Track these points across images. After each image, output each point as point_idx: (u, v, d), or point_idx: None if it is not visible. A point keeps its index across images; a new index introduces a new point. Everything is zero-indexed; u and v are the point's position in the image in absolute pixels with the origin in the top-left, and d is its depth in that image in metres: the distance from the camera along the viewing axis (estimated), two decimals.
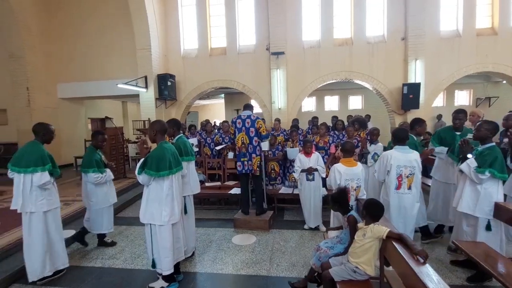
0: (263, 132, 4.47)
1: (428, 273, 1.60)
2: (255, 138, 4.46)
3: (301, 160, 4.29)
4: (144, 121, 8.59)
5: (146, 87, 8.45)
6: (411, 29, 8.14)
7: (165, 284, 2.82)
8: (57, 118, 9.57)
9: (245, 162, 4.40)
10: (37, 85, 8.93)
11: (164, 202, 2.74)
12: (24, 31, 8.57)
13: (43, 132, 3.12)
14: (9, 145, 9.46)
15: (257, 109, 8.45)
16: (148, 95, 8.55)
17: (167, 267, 2.76)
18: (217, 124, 12.06)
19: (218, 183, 5.76)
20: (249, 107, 4.69)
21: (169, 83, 8.58)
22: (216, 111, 17.26)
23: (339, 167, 3.19)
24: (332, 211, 3.40)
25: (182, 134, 3.60)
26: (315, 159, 4.24)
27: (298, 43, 8.75)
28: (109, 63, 9.25)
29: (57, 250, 3.19)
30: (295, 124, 7.05)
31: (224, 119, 10.63)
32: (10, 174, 3.04)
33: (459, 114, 3.70)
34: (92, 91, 9.53)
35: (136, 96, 9.02)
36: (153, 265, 2.81)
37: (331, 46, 8.66)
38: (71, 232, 4.19)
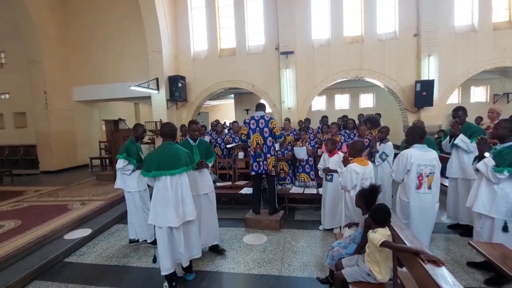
0: (277, 132, 4.46)
1: (443, 275, 1.57)
2: (269, 138, 4.45)
3: (324, 159, 4.24)
4: (156, 122, 8.75)
5: (158, 88, 8.60)
6: (424, 24, 7.95)
7: (165, 282, 2.91)
8: (72, 120, 9.90)
9: (261, 163, 4.40)
10: (54, 88, 9.24)
11: (158, 203, 2.74)
12: (42, 37, 8.89)
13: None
14: (28, 147, 9.87)
15: (267, 109, 8.46)
16: (159, 96, 8.70)
17: (162, 267, 2.80)
18: (227, 124, 12.13)
19: (229, 183, 5.80)
20: (261, 107, 4.64)
21: (179, 85, 8.70)
22: (226, 112, 17.35)
23: (355, 167, 3.13)
24: (344, 211, 3.37)
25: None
26: (337, 160, 4.05)
27: (308, 42, 8.70)
28: (121, 66, 9.47)
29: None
30: (306, 124, 7.00)
31: (234, 119, 10.68)
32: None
33: (458, 111, 3.82)
34: (106, 93, 9.79)
35: (148, 97, 9.20)
36: (154, 260, 3.20)
37: (341, 44, 8.56)
38: (87, 231, 4.32)
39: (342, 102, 13.23)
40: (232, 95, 13.56)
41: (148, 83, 8.34)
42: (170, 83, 8.66)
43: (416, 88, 7.92)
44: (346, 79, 8.81)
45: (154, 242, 3.56)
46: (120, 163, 3.73)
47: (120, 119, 8.96)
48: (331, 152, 4.19)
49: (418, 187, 2.97)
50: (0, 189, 7.06)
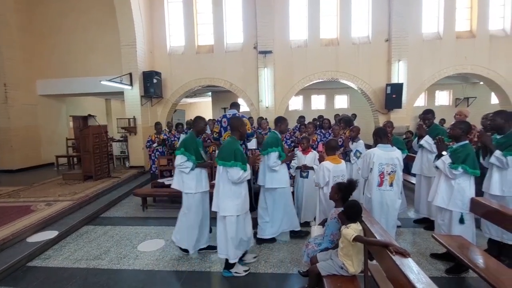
0: (248, 130, 4.49)
1: (409, 265, 1.68)
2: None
3: (298, 157, 4.31)
4: (129, 119, 8.42)
5: (131, 84, 8.27)
6: (395, 30, 8.38)
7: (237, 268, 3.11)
8: (36, 116, 9.24)
9: None
10: (15, 81, 8.55)
11: (243, 191, 3.02)
12: (2, 25, 8.18)
13: (195, 125, 3.58)
14: None
15: (244, 107, 8.48)
16: (133, 92, 8.37)
17: (234, 255, 3.01)
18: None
19: None
20: (235, 105, 4.74)
21: (154, 81, 8.43)
22: (203, 109, 17.10)
23: (327, 164, 3.26)
24: (318, 207, 3.47)
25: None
26: (312, 158, 4.19)
27: (286, 42, 8.82)
28: (92, 59, 8.99)
29: None
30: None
31: (211, 117, 10.57)
32: None
33: (428, 114, 4.18)
34: (74, 88, 9.24)
35: (120, 93, 8.82)
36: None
37: (318, 46, 8.78)
38: (53, 233, 4.07)
39: (318, 102, 13.58)
40: (210, 93, 13.41)
41: (121, 78, 8.00)
42: (145, 78, 8.37)
43: (387, 91, 8.34)
44: (322, 80, 9.06)
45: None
46: (178, 159, 3.31)
47: (89, 115, 8.49)
48: (305, 150, 4.30)
49: (380, 184, 3.15)
50: None
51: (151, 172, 7.03)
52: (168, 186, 5.52)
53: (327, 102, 13.43)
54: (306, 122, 6.66)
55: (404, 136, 7.69)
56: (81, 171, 7.06)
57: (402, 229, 4.10)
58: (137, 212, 5.35)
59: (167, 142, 6.83)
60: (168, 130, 7.41)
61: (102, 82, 7.50)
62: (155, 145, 6.79)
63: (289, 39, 8.88)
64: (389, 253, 1.81)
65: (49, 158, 9.36)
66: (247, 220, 3.11)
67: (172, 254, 3.62)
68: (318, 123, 6.78)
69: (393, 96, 8.28)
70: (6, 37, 8.32)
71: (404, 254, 1.79)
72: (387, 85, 8.38)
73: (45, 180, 7.16)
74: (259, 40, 8.65)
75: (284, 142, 5.50)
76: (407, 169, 4.93)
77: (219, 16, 8.96)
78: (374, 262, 2.41)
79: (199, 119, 3.64)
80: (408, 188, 5.39)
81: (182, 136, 6.62)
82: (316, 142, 5.44)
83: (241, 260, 3.21)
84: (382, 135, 3.26)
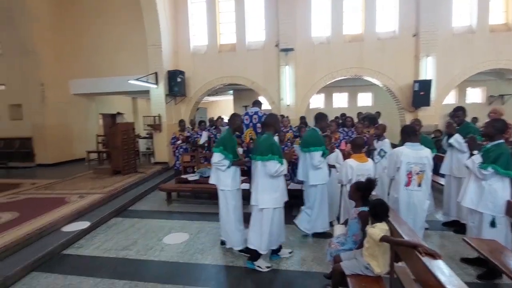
0: None
1: (440, 267, 1.62)
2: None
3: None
4: (154, 117, 8.72)
5: (157, 83, 8.56)
6: (423, 25, 8.01)
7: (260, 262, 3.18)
8: (69, 114, 9.81)
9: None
10: (50, 81, 9.13)
11: (281, 185, 3.12)
12: (37, 25, 8.73)
13: (232, 122, 3.54)
14: (24, 140, 9.75)
15: (265, 106, 8.49)
16: (158, 91, 8.66)
17: (266, 246, 3.12)
18: (225, 120, 12.13)
19: None
20: (257, 103, 4.77)
21: (179, 79, 8.67)
22: (224, 108, 17.31)
23: (351, 162, 3.21)
24: (342, 206, 3.43)
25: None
26: (335, 156, 4.16)
27: (308, 39, 8.72)
28: (119, 59, 9.37)
29: None
30: (303, 121, 7.06)
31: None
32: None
33: (458, 111, 4.02)
34: (103, 87, 9.70)
35: (146, 92, 9.14)
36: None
37: (341, 42, 8.60)
38: (85, 224, 4.32)
39: (340, 100, 13.31)
40: (231, 91, 13.56)
41: (147, 77, 8.30)
42: (170, 77, 8.63)
43: (414, 88, 8.00)
44: (345, 77, 8.86)
45: (245, 251, 3.37)
46: (216, 157, 3.34)
47: (118, 112, 8.90)
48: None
49: (407, 184, 3.05)
50: None
51: (175, 168, 7.26)
52: (191, 182, 5.70)
53: (350, 100, 13.13)
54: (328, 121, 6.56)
55: (432, 135, 7.36)
56: (110, 166, 7.43)
57: (429, 231, 3.94)
58: (162, 206, 5.55)
59: (190, 139, 7.01)
60: (191, 127, 7.61)
61: (129, 81, 7.83)
62: (179, 142, 7.00)
63: (311, 36, 8.77)
64: (418, 254, 1.75)
65: (80, 154, 9.92)
66: (282, 214, 3.19)
67: (196, 247, 3.73)
68: (340, 121, 6.67)
69: (420, 93, 7.94)
70: (43, 39, 8.90)
71: (434, 255, 1.73)
72: (414, 81, 8.04)
73: (77, 174, 7.61)
74: (280, 38, 8.61)
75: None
76: (435, 169, 4.71)
77: (241, 15, 9.03)
78: (400, 264, 2.35)
79: (235, 116, 3.64)
80: (436, 189, 5.16)
81: (205, 134, 6.79)
82: (339, 140, 5.35)
83: (276, 254, 3.32)
84: (410, 133, 3.14)
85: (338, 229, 2.83)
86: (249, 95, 12.28)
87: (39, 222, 4.10)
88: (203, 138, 6.74)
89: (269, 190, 3.03)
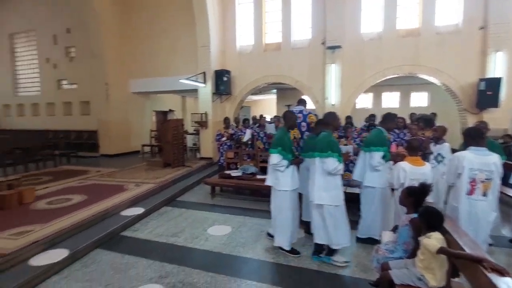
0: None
1: (509, 285, 1.45)
2: (307, 133, 4.45)
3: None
4: (201, 114, 9.18)
5: (205, 82, 9.00)
6: (493, 16, 7.08)
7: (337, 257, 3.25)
8: (128, 110, 10.83)
9: None
10: (113, 81, 10.19)
11: (340, 183, 3.19)
12: (105, 31, 9.81)
13: (286, 120, 3.52)
14: (90, 132, 11.08)
15: (309, 105, 8.35)
16: (206, 90, 9.10)
17: (342, 242, 3.20)
18: (268, 119, 12.23)
19: None
20: (301, 102, 4.74)
21: (225, 79, 9.00)
22: (267, 106, 17.47)
23: (404, 165, 3.00)
24: (393, 210, 3.25)
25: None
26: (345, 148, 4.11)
27: (357, 36, 8.34)
28: (171, 60, 10.05)
29: None
30: (349, 121, 6.79)
31: (276, 114, 10.72)
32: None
33: None
34: (157, 86, 10.50)
35: (194, 91, 9.67)
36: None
37: (394, 38, 8.04)
38: (140, 210, 4.75)
39: (390, 100, 12.46)
40: (275, 90, 13.61)
41: (196, 76, 8.77)
42: (217, 77, 9.00)
43: (480, 87, 7.13)
44: (397, 76, 8.28)
45: (293, 252, 3.40)
46: (275, 158, 3.27)
47: (170, 110, 9.59)
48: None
49: (470, 192, 2.76)
50: (68, 168, 8.09)
51: (219, 164, 7.55)
52: (234, 177, 5.88)
53: (401, 100, 12.22)
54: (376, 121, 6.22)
55: (501, 141, 6.50)
56: (161, 159, 8.04)
57: (494, 248, 3.51)
58: (206, 199, 5.85)
59: (234, 136, 7.24)
60: (235, 125, 7.84)
61: (180, 81, 8.36)
62: (223, 139, 7.27)
63: (361, 32, 8.36)
64: (483, 270, 1.59)
65: (136, 147, 10.90)
66: (344, 213, 3.19)
67: (237, 241, 3.86)
68: (366, 122, 6.28)
69: (487, 93, 7.04)
70: (108, 44, 9.96)
71: (502, 272, 1.55)
72: (480, 80, 7.16)
73: (133, 165, 8.39)
74: (327, 35, 8.38)
75: (352, 141, 5.26)
76: (504, 179, 4.18)
77: (288, 13, 9.00)
78: (457, 279, 2.15)
79: (290, 114, 3.58)
80: (504, 202, 4.56)
81: (248, 131, 6.94)
82: (389, 142, 5.04)
83: (329, 258, 3.26)
84: (475, 136, 2.82)
85: (386, 236, 2.67)
86: (293, 94, 12.19)
87: (103, 206, 4.63)
88: (247, 135, 6.90)
89: (326, 187, 3.08)
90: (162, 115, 11.84)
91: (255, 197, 5.79)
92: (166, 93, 11.99)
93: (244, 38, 9.75)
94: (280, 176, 3.36)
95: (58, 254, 3.25)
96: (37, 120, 12.52)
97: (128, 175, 6.98)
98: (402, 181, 2.96)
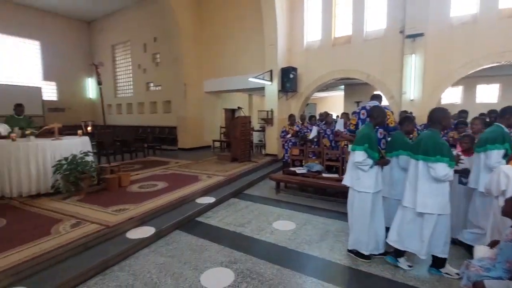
0: (391, 123, 4.06)
1: None
2: (381, 131, 4.15)
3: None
4: (267, 111, 9.41)
5: (271, 80, 9.18)
6: None
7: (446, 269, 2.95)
8: (202, 108, 11.84)
9: None
10: (190, 81, 11.26)
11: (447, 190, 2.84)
12: (184, 38, 10.91)
13: (375, 116, 3.24)
14: (171, 128, 12.53)
15: (383, 101, 7.71)
16: (272, 87, 9.28)
17: (446, 252, 2.90)
18: (334, 117, 11.77)
19: (336, 175, 5.68)
20: (377, 97, 4.45)
21: (291, 76, 9.00)
22: (334, 103, 16.79)
23: (506, 169, 2.53)
24: (490, 221, 2.78)
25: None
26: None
27: (444, 20, 7.27)
28: (239, 60, 10.53)
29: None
30: (463, 117, 5.92)
31: (343, 111, 10.24)
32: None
33: None
34: (227, 85, 11.16)
35: (260, 89, 9.96)
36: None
37: (493, 19, 6.74)
38: (212, 199, 5.18)
39: (487, 94, 10.52)
40: (342, 86, 12.98)
41: (263, 75, 9.02)
42: (283, 74, 9.08)
43: None
44: (498, 64, 6.93)
45: (398, 254, 3.09)
46: (359, 156, 3.02)
47: (239, 107, 10.12)
48: (467, 151, 3.49)
49: None
50: (154, 159, 9.33)
51: (283, 160, 7.64)
52: (299, 175, 5.87)
53: (503, 94, 10.20)
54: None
55: None
56: (229, 154, 8.57)
57: None
58: (271, 194, 5.99)
59: (299, 133, 7.21)
60: (301, 122, 7.79)
61: (249, 79, 8.73)
62: (288, 135, 7.31)
63: (449, 16, 7.26)
64: None
65: (207, 142, 11.86)
66: (448, 223, 2.82)
67: (302, 238, 3.86)
68: (488, 119, 5.30)
69: None
70: (186, 49, 11.04)
71: None
72: None
73: (205, 158, 9.16)
74: (407, 22, 7.54)
75: None
76: None
77: (360, 3, 8.43)
78: None
79: (379, 109, 3.30)
80: None
81: (315, 129, 6.82)
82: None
83: (438, 270, 2.95)
84: None
85: (481, 251, 2.30)
86: (362, 90, 11.46)
87: (181, 193, 5.21)
88: (313, 133, 6.79)
89: (431, 194, 2.72)
90: (231, 113, 12.57)
91: (319, 195, 5.68)
92: (234, 91, 12.66)
93: (311, 34, 9.56)
94: (362, 176, 3.09)
95: (147, 231, 3.81)
96: (131, 117, 14.79)
97: (201, 167, 7.65)
98: (504, 188, 2.49)
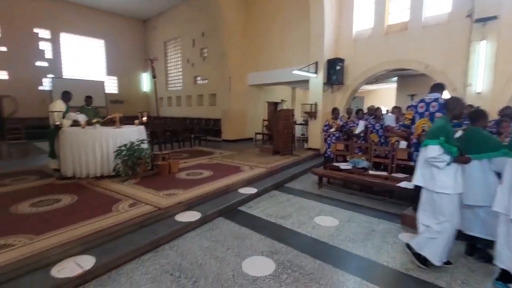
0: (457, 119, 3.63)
1: None
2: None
3: None
4: (311, 104, 9.18)
5: (316, 72, 8.90)
6: None
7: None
8: (245, 101, 12.05)
9: None
10: (235, 75, 11.50)
11: None
12: (230, 33, 11.14)
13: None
14: (215, 120, 13.01)
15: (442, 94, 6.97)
16: (317, 80, 9.01)
17: None
18: (384, 111, 11.01)
19: (384, 173, 5.34)
20: (438, 87, 3.97)
21: (337, 68, 8.63)
22: (384, 97, 15.68)
23: None
24: None
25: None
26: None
27: None
28: (283, 53, 10.43)
29: None
30: (508, 113, 5.24)
31: (395, 105, 9.52)
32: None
33: None
34: (270, 78, 11.16)
35: (303, 82, 9.74)
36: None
37: None
38: (254, 190, 5.28)
39: None
40: (395, 78, 12.03)
41: (308, 67, 8.79)
42: (329, 66, 8.75)
43: None
44: None
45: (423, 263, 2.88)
46: (434, 150, 2.68)
47: (282, 100, 10.09)
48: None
49: None
50: (200, 149, 9.81)
51: (325, 155, 7.40)
52: (343, 170, 5.65)
53: None
54: None
55: None
56: (271, 147, 8.61)
57: None
58: (313, 188, 5.89)
59: (344, 127, 6.91)
60: (347, 116, 7.45)
61: (293, 72, 8.60)
62: (332, 130, 7.05)
63: None
64: None
65: (250, 134, 12.07)
66: None
67: (346, 235, 3.73)
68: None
69: None
70: (232, 44, 11.28)
71: None
72: None
73: (248, 150, 9.33)
74: (476, 4, 6.63)
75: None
76: None
77: None
78: None
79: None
80: None
81: (362, 123, 6.47)
82: None
83: (506, 285, 2.54)
84: None
85: None
86: (417, 82, 10.51)
87: (225, 182, 5.40)
88: (360, 127, 6.45)
89: None
90: (274, 106, 12.55)
91: (365, 193, 5.41)
92: (277, 84, 12.59)
93: (361, 22, 8.99)
94: (437, 174, 2.71)
95: (193, 215, 4.04)
96: (180, 109, 15.71)
97: (243, 158, 7.82)
98: None
